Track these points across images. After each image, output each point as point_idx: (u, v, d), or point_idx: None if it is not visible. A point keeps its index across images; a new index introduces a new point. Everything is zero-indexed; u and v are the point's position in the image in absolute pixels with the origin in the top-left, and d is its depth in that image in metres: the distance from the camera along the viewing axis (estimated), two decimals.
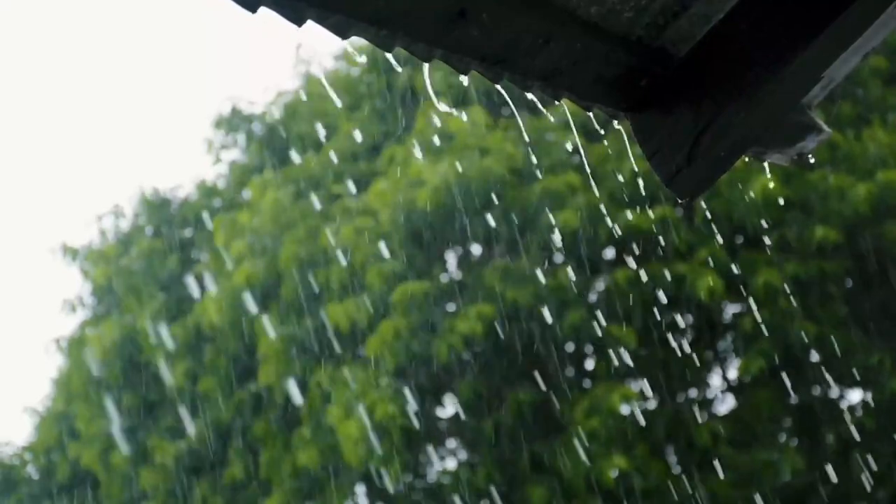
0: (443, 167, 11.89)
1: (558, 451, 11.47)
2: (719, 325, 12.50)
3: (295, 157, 14.28)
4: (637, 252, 11.54)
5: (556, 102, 2.25)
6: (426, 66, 1.97)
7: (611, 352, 11.60)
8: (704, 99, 2.28)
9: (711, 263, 11.49)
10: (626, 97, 2.30)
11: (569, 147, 12.07)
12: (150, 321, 14.32)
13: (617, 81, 2.26)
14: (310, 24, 1.73)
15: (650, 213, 11.51)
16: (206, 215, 15.35)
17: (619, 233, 11.58)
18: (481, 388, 11.81)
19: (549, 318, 11.42)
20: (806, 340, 11.39)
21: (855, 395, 12.55)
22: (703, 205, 11.36)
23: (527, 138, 12.29)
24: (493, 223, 11.88)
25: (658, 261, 11.53)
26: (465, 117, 12.30)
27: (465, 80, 2.07)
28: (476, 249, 12.68)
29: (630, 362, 11.59)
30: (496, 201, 11.84)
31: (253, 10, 1.65)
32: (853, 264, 11.85)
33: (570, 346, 12.29)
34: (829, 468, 11.68)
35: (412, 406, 11.76)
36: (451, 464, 13.01)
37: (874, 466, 11.55)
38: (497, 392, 11.84)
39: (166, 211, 16.15)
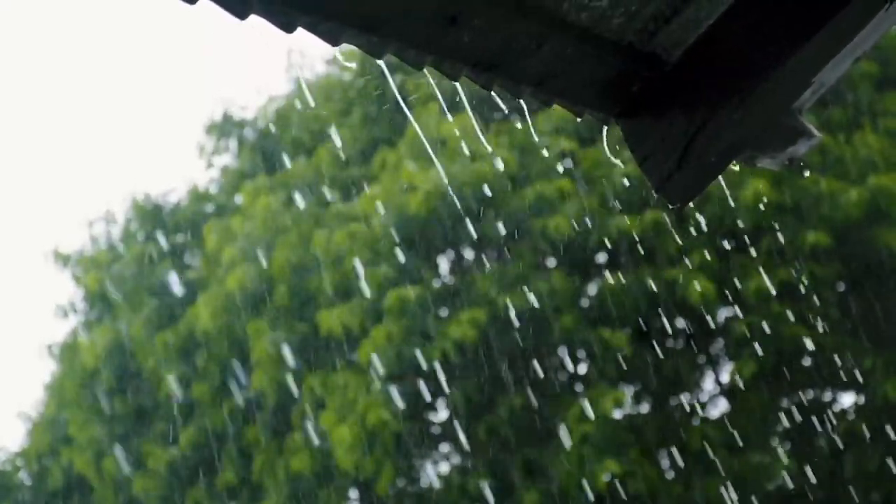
0: (434, 172, 11.90)
1: (551, 455, 11.47)
2: (712, 329, 12.51)
3: (287, 162, 14.27)
4: (629, 257, 11.55)
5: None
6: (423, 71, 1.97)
7: (603, 356, 11.61)
8: (696, 104, 2.28)
9: (703, 268, 11.50)
10: (618, 102, 2.30)
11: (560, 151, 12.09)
12: (143, 327, 14.31)
13: (608, 87, 2.26)
14: (301, 31, 1.73)
15: (642, 217, 11.52)
16: (198, 221, 15.34)
17: (611, 238, 11.57)
18: (474, 392, 11.81)
19: (541, 323, 11.43)
20: (797, 344, 11.41)
21: (847, 399, 12.57)
22: (695, 210, 11.38)
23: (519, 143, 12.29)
24: (485, 228, 11.88)
25: (650, 265, 11.54)
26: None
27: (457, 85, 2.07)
28: (468, 254, 12.68)
29: (622, 366, 11.61)
30: (488, 206, 11.84)
31: (243, 17, 1.65)
32: (844, 268, 11.87)
33: (562, 351, 12.28)
34: (822, 471, 11.69)
35: (405, 411, 11.77)
36: (444, 468, 13.01)
37: (866, 469, 11.57)
38: (490, 396, 11.83)
39: (158, 216, 16.13)
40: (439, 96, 11.44)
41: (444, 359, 11.44)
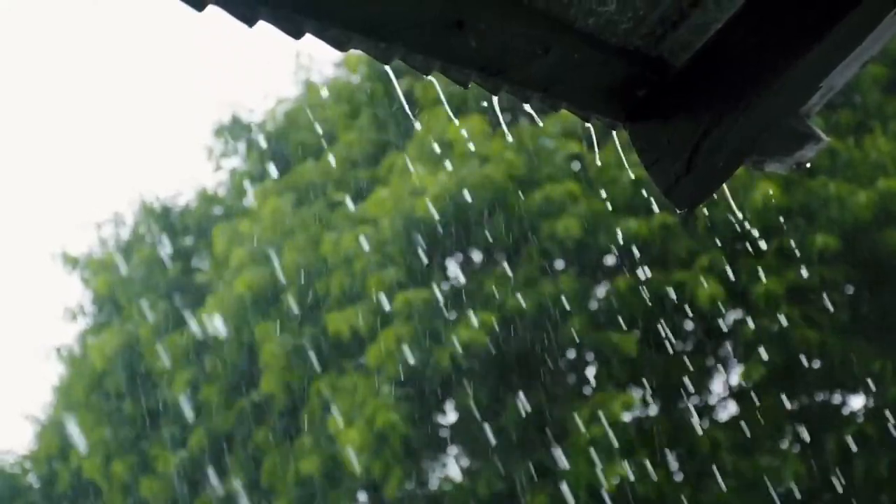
0: (443, 175, 11.90)
1: (560, 458, 11.46)
2: (720, 332, 12.49)
3: (295, 165, 14.27)
4: (638, 259, 11.54)
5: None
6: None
7: (611, 359, 11.61)
8: (703, 108, 2.28)
9: (712, 270, 11.49)
10: (625, 107, 2.30)
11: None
12: (151, 330, 14.33)
13: (615, 91, 2.26)
14: (308, 37, 1.73)
15: (651, 220, 11.51)
16: (206, 223, 15.36)
17: (620, 240, 11.57)
18: (482, 395, 11.80)
19: (549, 326, 11.42)
20: (807, 347, 11.40)
21: (856, 402, 12.55)
22: (704, 212, 11.37)
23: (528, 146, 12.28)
24: (493, 231, 11.87)
25: (659, 268, 11.53)
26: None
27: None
28: (477, 257, 12.68)
29: (631, 369, 11.60)
30: (496, 209, 11.84)
31: (251, 23, 1.65)
32: (854, 271, 11.85)
33: (571, 354, 12.28)
34: (831, 474, 11.67)
35: (413, 414, 11.77)
36: (452, 471, 13.00)
37: (875, 472, 11.55)
38: (498, 399, 11.83)
39: (167, 219, 16.15)
40: (443, 100, 11.46)
41: (452, 361, 11.45)
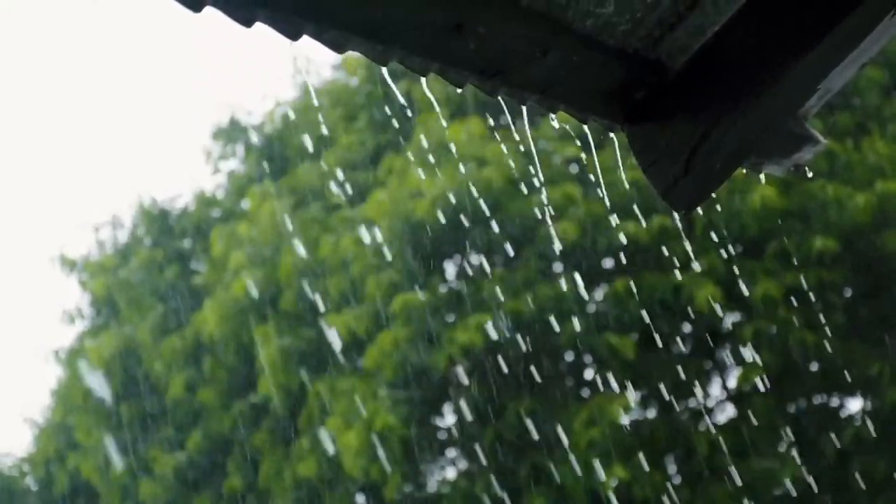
0: (441, 178, 11.89)
1: (557, 461, 11.46)
2: (718, 335, 12.49)
3: (293, 167, 14.27)
4: (636, 262, 11.53)
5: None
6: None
7: (610, 362, 11.60)
8: (701, 110, 2.28)
9: (711, 273, 11.49)
10: (623, 109, 2.30)
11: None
12: (149, 332, 14.32)
13: (613, 93, 2.26)
14: (306, 39, 1.73)
15: (650, 223, 11.51)
16: (204, 226, 15.36)
17: (619, 243, 11.56)
18: (480, 398, 11.80)
19: (548, 329, 11.41)
20: (805, 350, 11.40)
21: (854, 404, 12.55)
22: (702, 215, 11.36)
23: (525, 148, 12.27)
24: (492, 233, 11.87)
25: (657, 270, 11.52)
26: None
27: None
28: (475, 259, 12.67)
29: (629, 372, 11.59)
30: (495, 211, 11.84)
31: (248, 25, 1.65)
32: (852, 274, 11.85)
33: (569, 356, 12.27)
34: (829, 477, 11.66)
35: (411, 416, 11.76)
36: (450, 474, 13.00)
37: (873, 475, 11.55)
38: (496, 402, 11.82)
39: (165, 222, 16.14)
40: (435, 103, 11.44)
41: (450, 364, 11.44)
